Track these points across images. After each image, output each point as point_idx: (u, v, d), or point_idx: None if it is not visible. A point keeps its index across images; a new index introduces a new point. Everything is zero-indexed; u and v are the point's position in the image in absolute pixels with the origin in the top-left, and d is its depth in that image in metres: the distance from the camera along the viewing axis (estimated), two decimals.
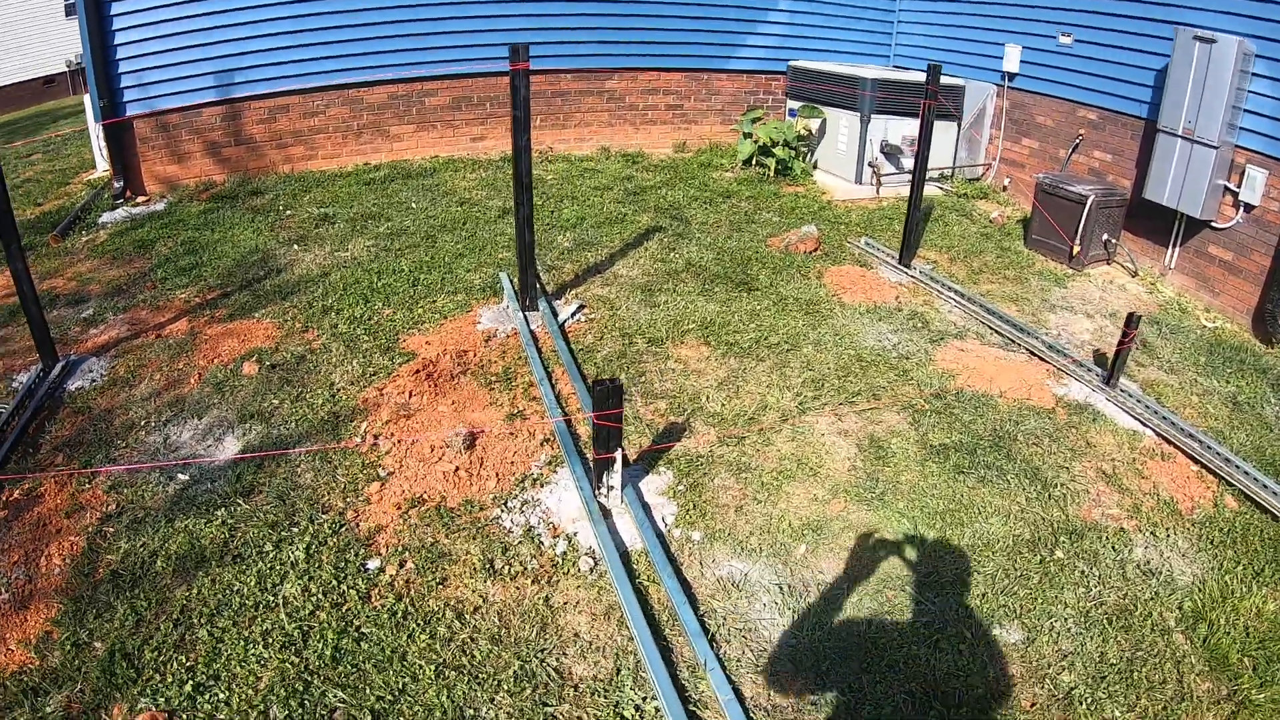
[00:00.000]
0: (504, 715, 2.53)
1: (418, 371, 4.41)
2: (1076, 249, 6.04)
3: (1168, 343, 5.18)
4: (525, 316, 4.96)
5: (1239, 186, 5.43)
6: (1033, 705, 2.64)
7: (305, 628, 2.86)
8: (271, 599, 2.99)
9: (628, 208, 6.88)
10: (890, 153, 7.42)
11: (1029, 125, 7.28)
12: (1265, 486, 3.72)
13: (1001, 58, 7.26)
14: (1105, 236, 6.11)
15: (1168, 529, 3.53)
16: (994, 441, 3.99)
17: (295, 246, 6.18)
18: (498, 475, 3.66)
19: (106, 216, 6.77)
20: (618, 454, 3.32)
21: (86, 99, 7.58)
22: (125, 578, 3.11)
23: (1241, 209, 5.46)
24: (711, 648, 2.73)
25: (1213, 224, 5.64)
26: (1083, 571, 3.26)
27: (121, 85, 6.77)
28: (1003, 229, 6.81)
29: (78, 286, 5.58)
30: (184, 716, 2.55)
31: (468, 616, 2.91)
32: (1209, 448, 3.98)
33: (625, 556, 3.16)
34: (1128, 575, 3.25)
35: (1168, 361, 4.95)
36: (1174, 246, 5.98)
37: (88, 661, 2.75)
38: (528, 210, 4.85)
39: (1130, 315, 4.30)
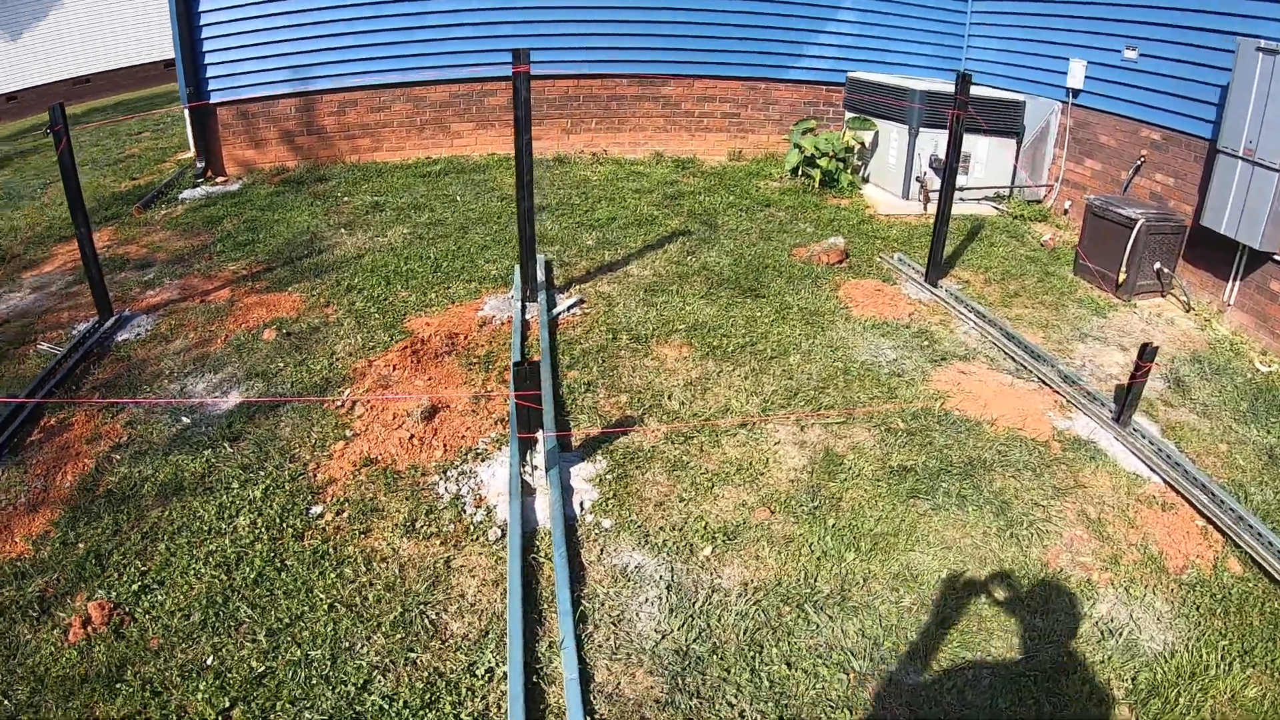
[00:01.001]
0: (374, 652, 2.97)
1: (406, 348, 4.94)
2: (1123, 276, 5.94)
3: (1207, 384, 5.01)
4: (523, 306, 5.41)
5: None
6: None
7: (241, 554, 3.41)
8: (224, 527, 3.57)
9: (661, 211, 7.27)
10: (939, 168, 7.47)
11: (1092, 145, 7.20)
12: (1275, 550, 3.46)
13: (1066, 73, 7.22)
14: (1157, 265, 5.97)
15: (1146, 587, 3.37)
16: (965, 469, 4.01)
17: (342, 230, 6.90)
18: (445, 446, 4.11)
19: (187, 193, 7.76)
20: (539, 434, 3.70)
21: None
22: (116, 496, 3.79)
23: None
24: (578, 629, 3.04)
25: (1275, 257, 5.45)
26: (1023, 621, 3.17)
27: (207, 75, 7.79)
28: (1053, 253, 6.76)
29: (147, 253, 6.48)
30: (126, 608, 3.15)
31: (374, 564, 3.37)
32: (1220, 502, 3.76)
33: (532, 533, 3.53)
34: (1079, 633, 3.14)
35: (1202, 404, 4.79)
36: (1234, 280, 5.79)
37: (68, 557, 3.42)
38: (528, 205, 5.30)
39: (1145, 346, 4.15)
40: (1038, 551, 3.54)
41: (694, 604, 3.19)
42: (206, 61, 7.70)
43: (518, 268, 6.00)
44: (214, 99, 7.87)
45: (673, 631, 3.06)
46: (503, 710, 2.71)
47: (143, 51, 20.96)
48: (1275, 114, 5.15)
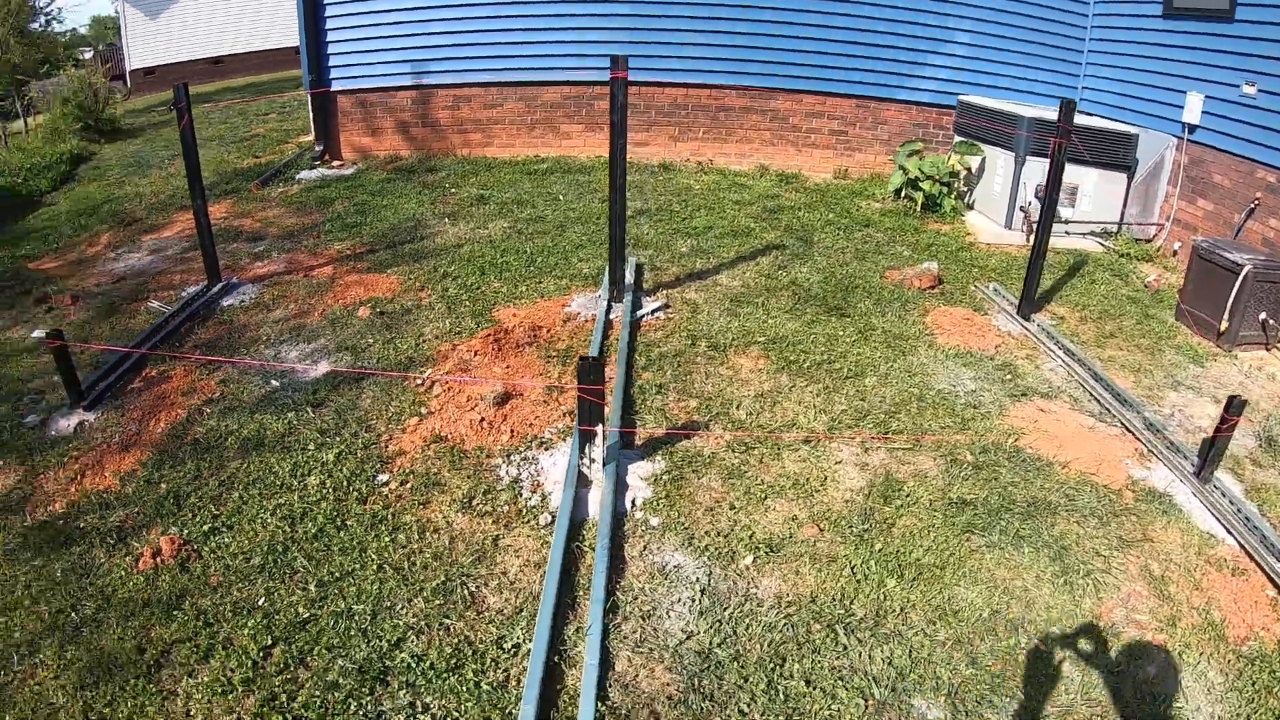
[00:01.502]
0: (412, 614, 3.14)
1: (489, 336, 5.16)
2: (1225, 325, 5.63)
3: None
4: (609, 306, 5.55)
5: None
6: None
7: (307, 510, 3.67)
8: (295, 484, 3.85)
9: (758, 224, 7.30)
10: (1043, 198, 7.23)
11: (1206, 184, 6.85)
12: None
13: (1183, 107, 6.90)
14: (1263, 316, 5.61)
15: (1201, 654, 3.18)
16: (1028, 510, 3.90)
17: (446, 220, 7.23)
18: (513, 432, 4.27)
19: (304, 174, 8.29)
20: (599, 428, 3.81)
21: None
22: (201, 445, 4.13)
23: None
24: (607, 618, 3.13)
25: None
26: (1064, 673, 3.06)
27: (329, 64, 8.35)
28: (1156, 295, 6.44)
29: (260, 227, 6.97)
30: (194, 545, 3.44)
31: (427, 534, 3.55)
32: None
33: (581, 522, 3.64)
34: (1122, 693, 2.99)
35: None
36: None
37: (150, 495, 3.77)
38: (620, 208, 5.44)
39: (1232, 399, 3.96)
40: (1091, 603, 3.40)
41: (725, 610, 3.23)
42: (330, 52, 8.26)
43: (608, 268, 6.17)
44: (335, 87, 8.42)
45: (699, 633, 3.11)
46: (520, 684, 2.82)
47: (276, 37, 22.51)
48: None
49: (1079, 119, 7.43)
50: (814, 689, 2.91)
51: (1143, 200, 7.44)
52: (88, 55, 22.40)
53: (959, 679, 2.99)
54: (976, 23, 8.37)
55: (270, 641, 3.00)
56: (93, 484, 3.87)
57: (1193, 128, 6.93)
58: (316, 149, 8.62)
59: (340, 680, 2.86)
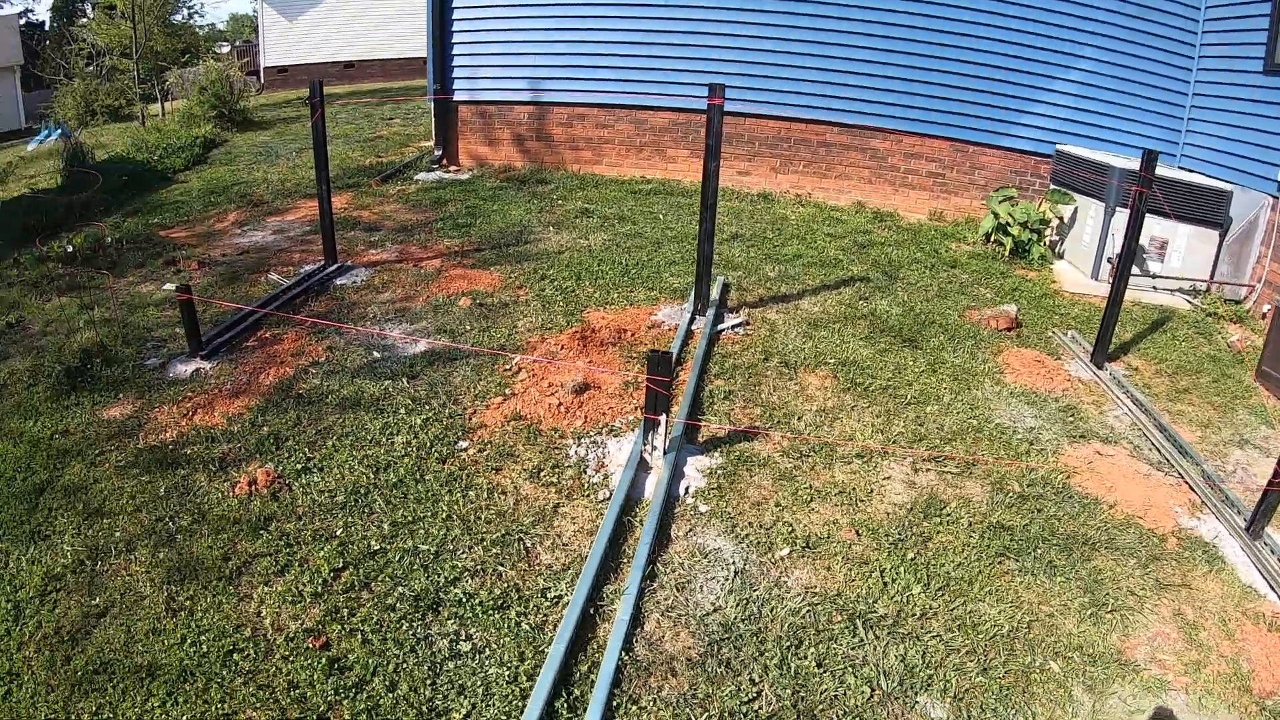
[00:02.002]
0: (471, 559, 3.51)
1: (576, 333, 5.55)
2: None
3: None
4: (692, 318, 5.88)
5: None
6: None
7: (391, 463, 4.11)
8: (383, 440, 4.31)
9: (847, 256, 7.51)
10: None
11: None
12: None
13: (1278, 165, 6.74)
14: None
15: (1222, 702, 3.18)
16: (1066, 542, 3.97)
17: (550, 228, 7.72)
18: (586, 418, 4.63)
19: (422, 175, 8.99)
20: (663, 417, 4.12)
21: None
22: (304, 399, 4.66)
23: None
24: (644, 584, 3.42)
25: None
26: (1075, 697, 3.12)
27: (453, 75, 9.11)
28: (1238, 356, 6.31)
29: (377, 219, 7.62)
30: (287, 480, 3.93)
31: (495, 495, 3.93)
32: None
33: (636, 501, 3.96)
34: None
35: None
36: None
37: (253, 435, 4.29)
38: (709, 227, 5.75)
39: None
40: (1116, 637, 3.44)
41: (754, 591, 3.47)
42: (454, 65, 9.02)
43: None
44: (457, 97, 9.13)
45: (726, 608, 3.36)
46: (556, 629, 3.14)
47: (405, 47, 24.05)
48: None
49: (1174, 174, 7.38)
50: (824, 672, 3.12)
51: (1235, 259, 7.29)
52: (225, 50, 24.40)
53: (967, 684, 3.13)
54: (1080, 73, 8.39)
55: (341, 565, 3.41)
56: (202, 420, 4.43)
57: None
58: (436, 153, 9.34)
59: (397, 605, 3.24)
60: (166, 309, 5.81)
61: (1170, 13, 8.20)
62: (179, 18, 19.30)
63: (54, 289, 6.36)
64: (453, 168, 9.35)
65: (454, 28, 8.89)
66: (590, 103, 9.04)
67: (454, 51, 8.99)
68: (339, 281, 6.30)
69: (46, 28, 31.43)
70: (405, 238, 7.27)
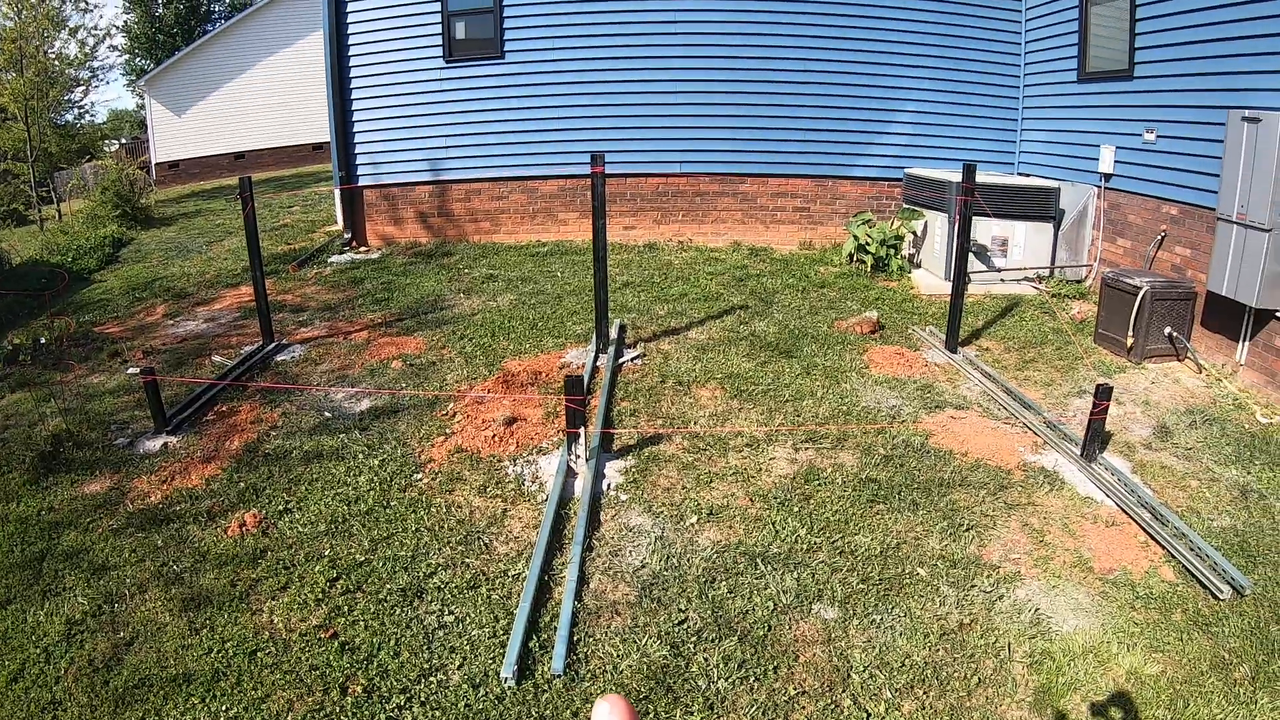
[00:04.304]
0: (441, 557, 4.34)
1: (499, 379, 6.45)
2: (1130, 341, 6.74)
3: (1195, 432, 5.66)
4: (595, 356, 6.84)
5: None
6: (809, 662, 3.76)
7: (360, 496, 4.90)
8: (349, 479, 5.09)
9: (727, 290, 8.65)
10: (978, 252, 8.54)
11: (1123, 225, 8.05)
12: (1210, 562, 4.08)
13: (1098, 159, 8.19)
14: (1169, 330, 6.70)
15: (1070, 581, 4.08)
16: (926, 485, 5.02)
17: (461, 294, 8.62)
18: (518, 443, 5.51)
19: (335, 258, 9.81)
20: (582, 430, 5.05)
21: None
22: (272, 457, 5.38)
23: None
24: (584, 555, 4.30)
25: (1277, 314, 6.01)
26: (942, 592, 4.03)
27: (357, 162, 10.01)
28: (1080, 325, 7.62)
29: (301, 301, 8.38)
30: (272, 520, 4.66)
31: (452, 509, 4.77)
32: (1164, 520, 4.49)
33: (569, 499, 4.85)
34: (994, 607, 3.93)
35: (1185, 449, 5.46)
36: (1244, 341, 6.37)
37: (232, 489, 5.00)
38: (603, 275, 6.77)
39: (1099, 387, 5.02)
40: (974, 548, 4.46)
41: (672, 549, 4.40)
42: (357, 152, 9.98)
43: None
44: (362, 182, 10.08)
45: (652, 564, 4.28)
46: (519, 596, 3.99)
47: (295, 135, 24.79)
48: (1261, 178, 5.77)
49: (1010, 179, 8.82)
50: (735, 596, 4.05)
51: (1071, 245, 8.71)
52: (114, 148, 24.61)
53: (851, 592, 4.10)
54: (918, 103, 9.92)
55: (335, 575, 4.19)
56: (182, 484, 5.12)
57: (1108, 176, 8.19)
58: (345, 236, 10.18)
59: (388, 597, 4.03)
60: (122, 395, 6.44)
61: (995, 39, 9.81)
62: (70, 117, 19.61)
63: (4, 387, 6.89)
64: (363, 249, 10.19)
65: (354, 118, 9.85)
66: (485, 177, 10.07)
67: (355, 140, 9.93)
68: (279, 358, 7.03)
69: None
70: (331, 315, 8.05)
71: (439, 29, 9.97)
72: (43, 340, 7.57)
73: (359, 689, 3.51)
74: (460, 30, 9.93)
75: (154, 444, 5.62)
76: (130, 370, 6.77)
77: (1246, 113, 5.98)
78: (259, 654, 3.73)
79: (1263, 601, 3.97)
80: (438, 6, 9.93)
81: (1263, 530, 4.55)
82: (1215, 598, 4.00)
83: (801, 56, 9.80)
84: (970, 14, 9.73)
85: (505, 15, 9.88)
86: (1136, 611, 3.95)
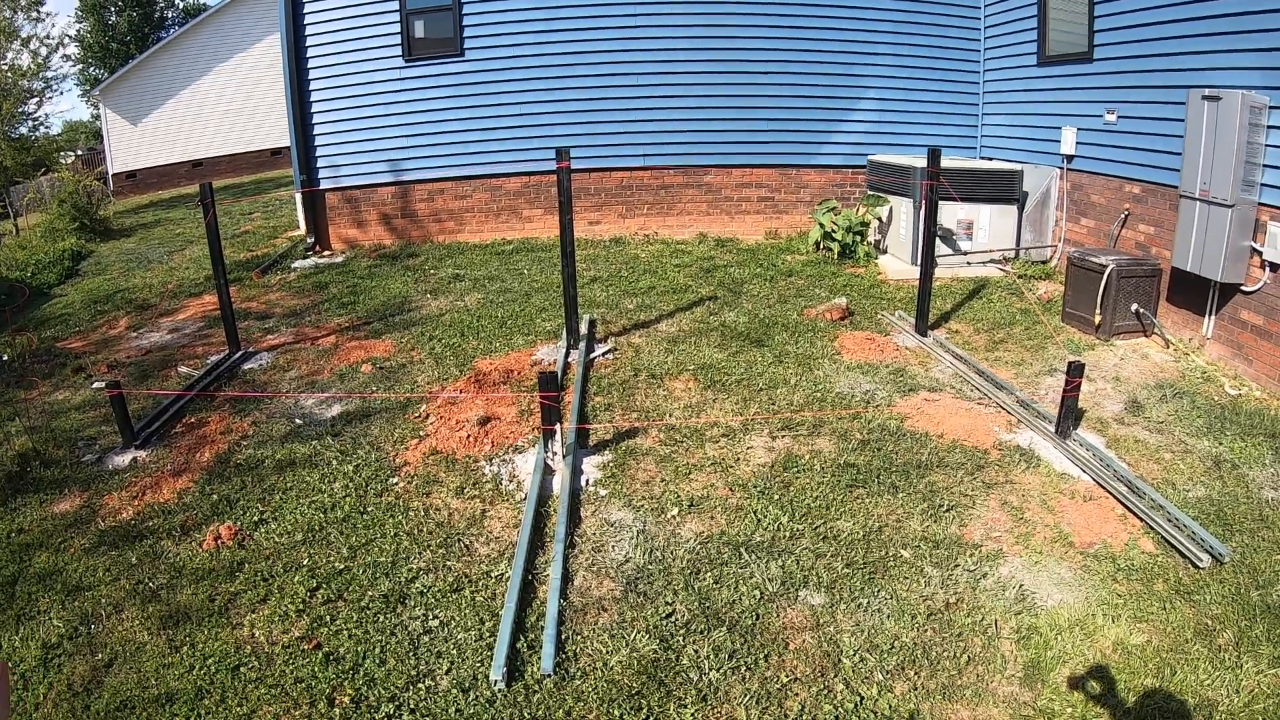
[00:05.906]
0: (422, 561, 4.27)
1: (471, 379, 6.37)
2: (1098, 318, 6.84)
3: (1165, 406, 5.74)
4: (567, 352, 6.79)
5: (1264, 246, 5.82)
6: (799, 648, 3.77)
7: (336, 503, 4.81)
8: (324, 487, 4.99)
9: (695, 281, 8.64)
10: (943, 235, 8.61)
11: (1086, 205, 8.17)
12: (1188, 532, 4.13)
13: (1060, 141, 8.30)
14: (1135, 307, 6.81)
15: (1051, 557, 4.12)
16: (904, 469, 5.05)
17: (428, 295, 8.52)
18: (494, 443, 5.45)
19: (298, 263, 9.65)
20: (558, 426, 5.00)
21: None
22: (244, 467, 5.27)
23: (1267, 269, 5.86)
24: (567, 551, 4.25)
25: (1242, 288, 6.10)
26: (926, 573, 4.05)
27: (318, 165, 9.86)
28: (1048, 305, 7.72)
29: (266, 308, 8.23)
30: (248, 531, 4.56)
31: (430, 512, 4.70)
32: (1141, 493, 4.53)
33: (548, 497, 4.80)
34: (978, 586, 3.96)
35: (1157, 422, 5.54)
36: (1209, 315, 6.48)
37: (205, 501, 4.89)
38: (571, 270, 6.72)
39: (1071, 364, 5.08)
40: (955, 528, 4.49)
41: (655, 543, 4.37)
42: (318, 155, 9.83)
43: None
44: (323, 185, 9.93)
45: (636, 558, 4.24)
46: (503, 598, 3.94)
47: (254, 141, 24.47)
48: (1222, 155, 5.88)
49: (973, 163, 8.89)
50: (721, 587, 4.03)
51: (1036, 226, 8.81)
52: (70, 159, 24.13)
53: (837, 576, 4.10)
54: (879, 90, 9.98)
55: (315, 585, 4.10)
56: (153, 499, 4.99)
57: (1071, 157, 8.29)
58: (308, 241, 10.03)
59: (370, 605, 3.96)
60: (88, 411, 6.27)
61: (954, 24, 9.87)
62: (24, 129, 19.17)
63: None
64: (326, 253, 10.03)
65: (314, 120, 9.69)
66: (448, 176, 9.95)
67: (316, 143, 9.77)
68: (246, 366, 6.88)
69: None
70: (297, 321, 7.90)
71: (398, 28, 9.84)
72: (4, 357, 7.38)
73: (346, 700, 3.44)
74: (420, 29, 9.81)
75: (123, 459, 5.47)
76: (95, 385, 6.60)
77: (1206, 92, 6.08)
78: (242, 669, 3.64)
79: (1242, 568, 4.04)
80: (396, 5, 9.80)
81: (1238, 499, 4.62)
82: (1195, 566, 4.06)
83: (762, 47, 9.81)
84: (930, 0, 9.80)
85: (465, 13, 9.77)
86: (1119, 583, 4.00)
